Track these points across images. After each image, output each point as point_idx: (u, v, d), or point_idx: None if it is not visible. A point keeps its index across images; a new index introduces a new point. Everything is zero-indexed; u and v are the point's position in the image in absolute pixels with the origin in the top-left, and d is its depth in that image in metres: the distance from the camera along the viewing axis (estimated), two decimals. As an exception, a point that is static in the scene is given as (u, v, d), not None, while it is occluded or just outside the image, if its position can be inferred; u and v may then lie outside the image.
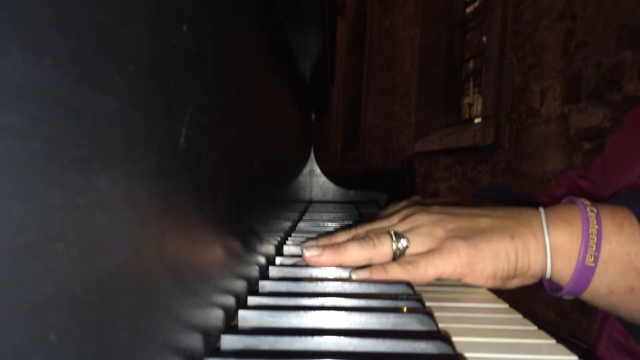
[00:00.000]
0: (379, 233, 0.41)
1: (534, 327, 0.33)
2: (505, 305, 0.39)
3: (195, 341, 0.23)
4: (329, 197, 1.13)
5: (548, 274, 0.39)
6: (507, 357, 0.28)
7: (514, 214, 0.41)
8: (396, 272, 0.39)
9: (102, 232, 0.14)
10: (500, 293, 0.43)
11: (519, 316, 0.36)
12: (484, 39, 3.00)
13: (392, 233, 0.41)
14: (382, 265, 0.39)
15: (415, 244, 0.40)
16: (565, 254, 0.38)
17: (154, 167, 0.18)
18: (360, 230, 0.44)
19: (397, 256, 0.41)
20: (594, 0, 1.83)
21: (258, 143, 0.41)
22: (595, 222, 0.37)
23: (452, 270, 0.39)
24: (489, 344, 0.30)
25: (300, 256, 0.49)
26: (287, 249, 0.52)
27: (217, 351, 0.26)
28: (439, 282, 0.45)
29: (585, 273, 0.37)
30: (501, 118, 2.49)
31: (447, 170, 3.30)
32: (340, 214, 0.85)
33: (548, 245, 0.38)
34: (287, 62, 0.65)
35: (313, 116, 1.19)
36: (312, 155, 1.11)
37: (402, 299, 0.36)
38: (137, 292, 0.17)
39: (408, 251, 0.41)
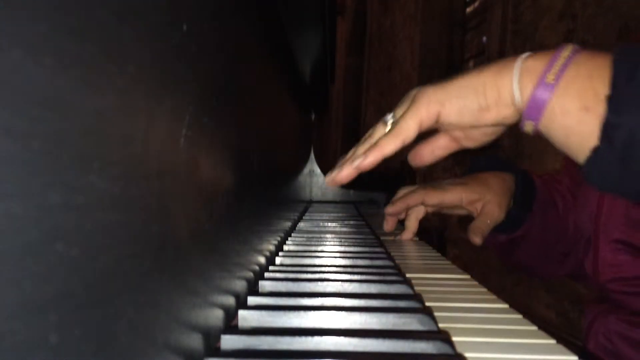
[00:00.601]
0: (373, 128, 0.45)
1: (534, 327, 0.33)
2: (505, 305, 0.39)
3: (195, 341, 0.23)
4: (329, 197, 1.13)
5: (516, 96, 0.39)
6: (507, 357, 0.28)
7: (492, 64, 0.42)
8: (387, 143, 0.42)
9: (102, 232, 0.14)
10: (500, 293, 0.43)
11: (519, 316, 0.36)
12: (484, 39, 3.00)
13: (382, 120, 0.44)
14: (375, 143, 0.43)
15: (399, 111, 0.44)
16: (532, 75, 0.38)
17: (154, 167, 0.18)
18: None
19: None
20: (594, 0, 1.83)
21: (258, 143, 0.41)
22: (568, 52, 0.38)
23: (426, 111, 0.41)
24: (489, 344, 0.30)
25: (301, 255, 0.49)
26: (288, 248, 0.52)
27: (217, 351, 0.26)
28: (440, 283, 0.46)
29: (543, 91, 0.37)
30: (501, 118, 2.49)
31: (446, 171, 3.30)
32: (340, 214, 0.85)
33: (518, 68, 0.39)
34: (287, 62, 0.65)
35: (313, 116, 1.18)
36: (312, 156, 1.11)
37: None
38: (137, 292, 0.17)
39: (395, 116, 0.44)
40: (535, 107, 0.38)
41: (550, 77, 0.37)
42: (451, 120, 0.42)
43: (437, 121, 0.42)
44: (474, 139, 0.44)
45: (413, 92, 0.44)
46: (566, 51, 0.38)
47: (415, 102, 0.42)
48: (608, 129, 0.34)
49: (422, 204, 0.69)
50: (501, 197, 0.67)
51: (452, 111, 0.41)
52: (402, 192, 0.73)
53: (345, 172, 0.44)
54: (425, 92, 0.42)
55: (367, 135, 0.47)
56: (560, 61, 0.37)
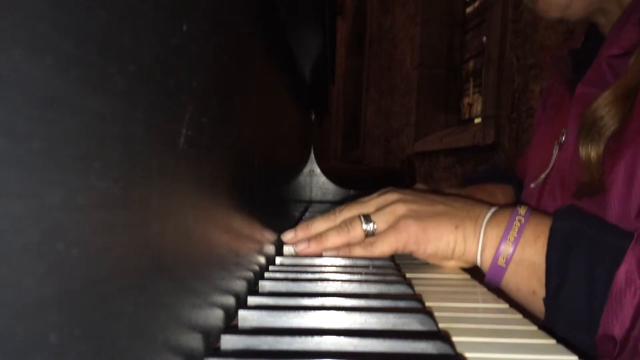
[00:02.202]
0: (351, 218, 0.49)
1: (534, 327, 0.33)
2: (505, 305, 0.39)
3: (195, 341, 0.23)
4: (329, 197, 1.13)
5: (478, 263, 0.47)
6: (507, 357, 0.28)
7: (468, 207, 0.48)
8: (358, 252, 0.48)
9: (102, 232, 0.14)
10: (501, 293, 0.43)
11: (519, 316, 0.36)
12: (484, 39, 3.00)
13: (362, 217, 0.49)
14: (348, 246, 0.48)
15: (380, 223, 0.48)
16: (489, 250, 0.45)
17: (154, 167, 0.18)
18: (338, 215, 0.51)
19: (368, 235, 0.49)
20: (594, 0, 1.83)
21: (258, 143, 0.41)
22: (516, 230, 0.44)
23: (403, 246, 0.47)
24: (489, 344, 0.30)
25: (301, 255, 0.49)
26: (287, 249, 0.52)
27: (217, 351, 0.26)
28: (440, 283, 0.45)
29: (497, 270, 0.44)
30: (501, 118, 2.49)
31: (447, 170, 3.30)
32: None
33: (481, 240, 0.46)
34: (287, 62, 0.65)
35: (313, 116, 1.18)
36: (312, 155, 1.11)
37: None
38: (137, 292, 0.17)
39: (376, 228, 0.49)
40: (493, 279, 0.45)
41: (501, 260, 0.44)
42: (419, 257, 0.49)
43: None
44: None
45: (398, 210, 0.48)
46: (513, 232, 0.44)
47: (396, 231, 0.47)
48: (548, 322, 0.41)
49: None
50: None
51: (423, 254, 0.48)
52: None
53: (312, 249, 0.49)
54: (408, 227, 0.46)
55: (341, 215, 0.51)
56: (508, 245, 0.43)
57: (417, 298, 0.36)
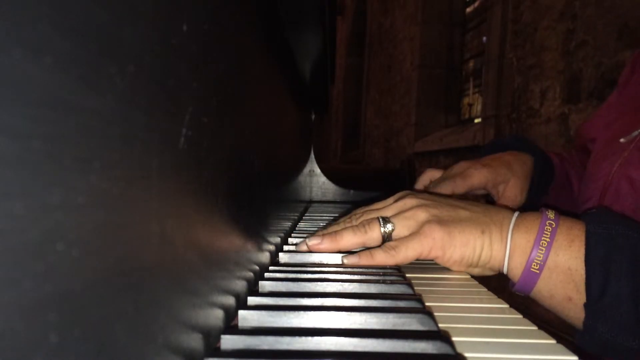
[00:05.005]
0: (369, 220, 0.47)
1: (534, 327, 0.33)
2: (505, 305, 0.39)
3: (195, 341, 0.23)
4: (329, 197, 1.13)
5: (505, 270, 0.45)
6: (507, 357, 0.28)
7: (491, 212, 0.46)
8: (381, 257, 0.45)
9: (102, 232, 0.14)
10: (501, 293, 0.43)
11: (519, 316, 0.36)
12: (484, 39, 3.00)
13: (380, 219, 0.47)
14: (369, 251, 0.45)
15: (400, 227, 0.46)
16: (519, 257, 0.43)
17: (154, 167, 0.18)
18: (354, 217, 0.50)
19: (386, 238, 0.46)
20: (594, 0, 1.83)
21: (258, 143, 0.41)
22: (548, 235, 0.42)
23: (428, 252, 0.45)
24: (489, 344, 0.30)
25: (301, 255, 0.49)
26: (288, 249, 0.52)
27: (217, 351, 0.26)
28: (440, 283, 0.45)
29: (530, 277, 0.42)
30: (501, 118, 2.49)
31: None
32: (340, 214, 0.85)
33: (508, 246, 0.44)
34: (287, 62, 0.65)
35: (313, 116, 1.18)
36: (312, 155, 1.11)
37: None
38: (137, 292, 0.17)
39: (394, 233, 0.46)
40: (524, 288, 0.44)
41: (535, 266, 0.42)
42: (442, 264, 0.47)
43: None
44: None
45: (420, 215, 0.46)
46: (545, 237, 0.42)
47: (421, 236, 0.44)
48: (588, 328, 0.39)
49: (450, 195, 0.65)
50: (523, 180, 0.66)
51: (448, 262, 0.46)
52: (425, 179, 0.69)
53: (325, 245, 0.47)
54: (433, 232, 0.44)
55: (357, 216, 0.49)
56: (542, 250, 0.42)
57: (417, 298, 0.36)
